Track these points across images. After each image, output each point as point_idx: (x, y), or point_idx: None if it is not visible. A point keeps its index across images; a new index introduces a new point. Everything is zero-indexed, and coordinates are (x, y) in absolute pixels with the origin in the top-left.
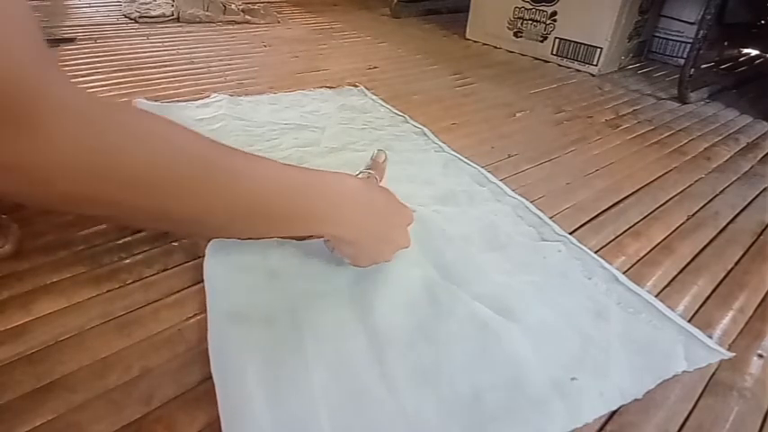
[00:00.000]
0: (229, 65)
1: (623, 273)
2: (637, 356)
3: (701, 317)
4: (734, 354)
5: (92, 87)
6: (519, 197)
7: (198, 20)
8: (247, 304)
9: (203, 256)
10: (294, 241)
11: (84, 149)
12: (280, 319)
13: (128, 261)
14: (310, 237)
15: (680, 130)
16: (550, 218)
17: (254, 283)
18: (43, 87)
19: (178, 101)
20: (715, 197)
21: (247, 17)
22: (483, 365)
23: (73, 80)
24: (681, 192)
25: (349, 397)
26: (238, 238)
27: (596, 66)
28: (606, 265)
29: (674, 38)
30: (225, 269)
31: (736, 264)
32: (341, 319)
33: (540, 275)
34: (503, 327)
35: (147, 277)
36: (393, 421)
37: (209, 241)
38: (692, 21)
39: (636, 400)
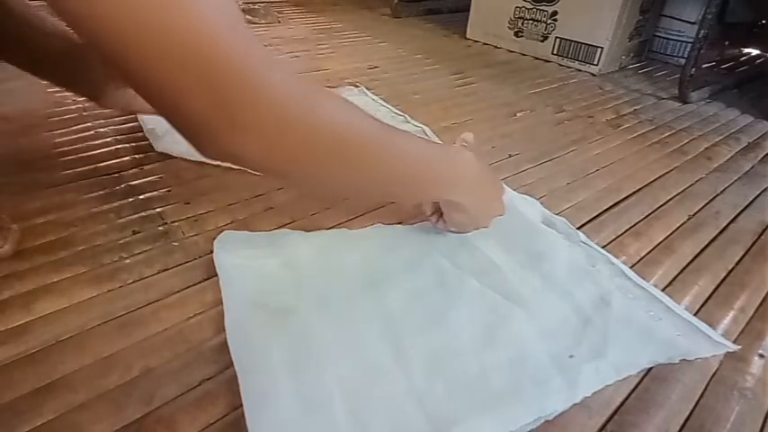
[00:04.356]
0: None
1: None
2: (635, 338)
3: (702, 316)
4: (739, 346)
5: None
6: (522, 195)
7: None
8: (263, 292)
9: (203, 256)
10: (305, 233)
11: (295, 119)
12: (295, 307)
13: (128, 261)
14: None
15: (681, 130)
16: None
17: (269, 273)
18: (266, 71)
19: None
20: (716, 197)
21: (248, 17)
22: (489, 346)
23: None
24: (682, 191)
25: (363, 380)
26: (382, 202)
27: (597, 65)
28: (612, 258)
29: (674, 37)
30: (237, 260)
31: (738, 263)
32: (355, 305)
33: (545, 262)
34: (508, 309)
35: (147, 277)
36: (405, 400)
37: (214, 238)
38: (692, 20)
39: (635, 397)
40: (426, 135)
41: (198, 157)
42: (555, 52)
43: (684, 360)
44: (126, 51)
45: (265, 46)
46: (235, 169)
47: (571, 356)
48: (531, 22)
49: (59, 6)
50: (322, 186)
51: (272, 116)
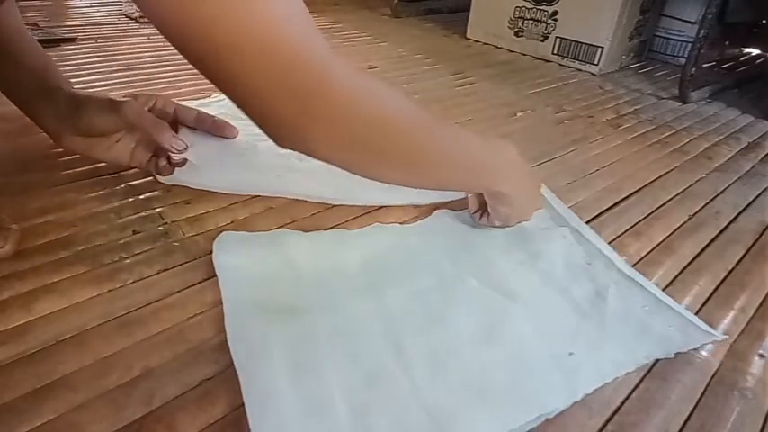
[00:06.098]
0: None
1: None
2: (631, 334)
3: (702, 316)
4: (726, 336)
5: (92, 87)
6: None
7: None
8: (263, 293)
9: (203, 256)
10: (304, 233)
11: (362, 109)
12: (295, 307)
13: (128, 261)
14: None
15: (681, 130)
16: None
17: (268, 273)
18: (333, 64)
19: (179, 100)
20: (716, 197)
21: None
22: (489, 344)
23: (73, 80)
24: (682, 191)
25: (364, 379)
26: (438, 189)
27: (597, 65)
28: (604, 249)
29: (675, 37)
30: (237, 261)
31: (738, 263)
32: (355, 305)
33: (542, 259)
34: (507, 307)
35: (147, 277)
36: (406, 399)
37: (214, 239)
38: (693, 20)
39: (635, 397)
40: None
41: (202, 185)
42: (555, 52)
43: (683, 357)
44: (205, 52)
45: None
46: None
47: (570, 354)
48: (531, 21)
49: (146, 9)
50: (386, 176)
51: (341, 107)
